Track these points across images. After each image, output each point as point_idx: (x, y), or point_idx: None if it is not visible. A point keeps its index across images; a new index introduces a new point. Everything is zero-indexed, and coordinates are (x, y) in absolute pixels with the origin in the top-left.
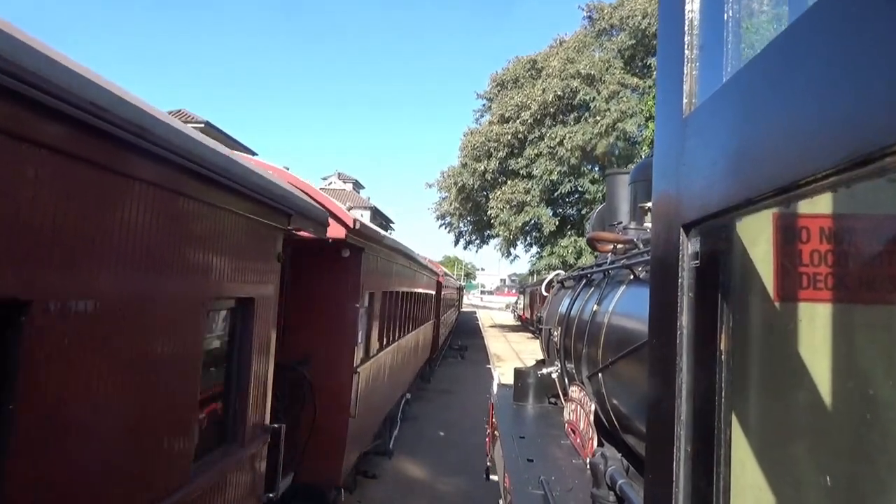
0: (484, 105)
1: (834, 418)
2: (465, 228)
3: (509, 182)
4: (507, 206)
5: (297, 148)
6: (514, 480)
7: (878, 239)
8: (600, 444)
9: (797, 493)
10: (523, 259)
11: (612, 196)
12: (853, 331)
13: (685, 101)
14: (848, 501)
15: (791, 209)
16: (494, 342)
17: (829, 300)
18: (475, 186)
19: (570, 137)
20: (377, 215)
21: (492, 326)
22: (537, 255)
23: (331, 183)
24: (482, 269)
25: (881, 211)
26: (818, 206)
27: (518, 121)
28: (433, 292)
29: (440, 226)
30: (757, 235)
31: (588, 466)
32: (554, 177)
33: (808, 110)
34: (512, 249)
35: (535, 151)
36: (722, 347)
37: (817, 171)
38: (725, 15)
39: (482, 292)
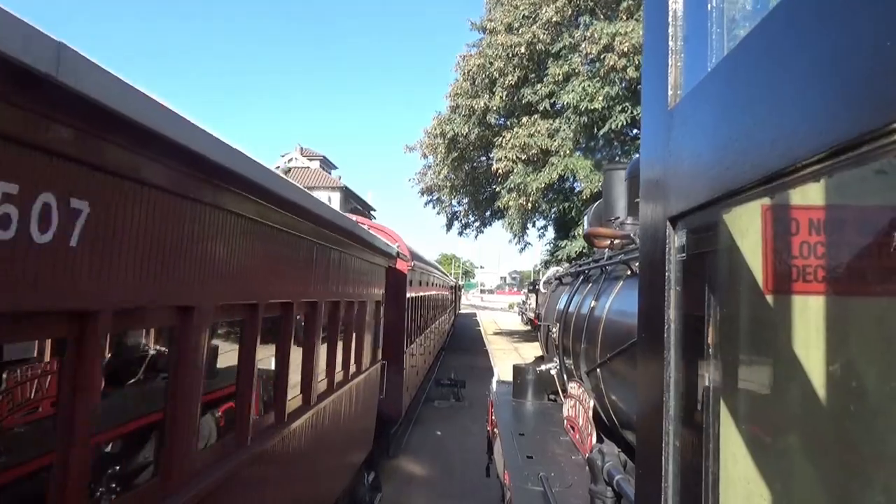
0: (481, 39)
1: (822, 410)
2: (460, 208)
3: (525, 119)
4: (522, 159)
5: (252, 123)
6: (513, 477)
7: (867, 230)
8: (599, 440)
9: (786, 486)
10: (536, 248)
11: (608, 191)
12: (842, 323)
13: (670, 92)
14: (837, 493)
15: (779, 200)
16: (505, 361)
17: (819, 292)
18: (472, 139)
19: (624, 36)
20: (351, 198)
21: (496, 334)
22: (561, 237)
23: (291, 160)
24: (481, 267)
25: (870, 202)
26: (807, 197)
27: (536, 24)
28: (376, 294)
29: (426, 204)
30: (744, 227)
31: (586, 462)
32: (597, 104)
33: (790, 99)
34: (528, 227)
35: (565, 69)
36: (710, 341)
37: (799, 160)
38: (709, 5)
39: (482, 291)
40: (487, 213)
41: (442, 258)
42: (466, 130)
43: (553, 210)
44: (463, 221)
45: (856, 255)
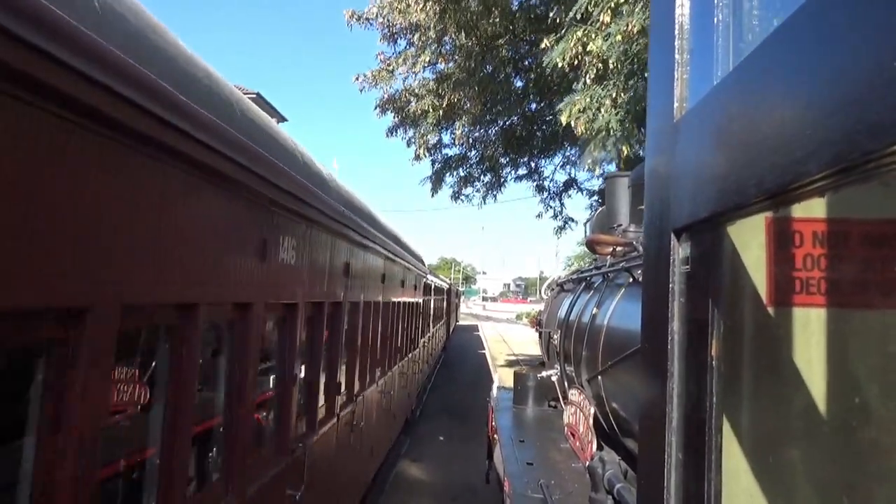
0: None
1: (826, 424)
2: (456, 148)
3: None
4: None
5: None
6: (513, 484)
7: (872, 243)
8: (600, 448)
9: (789, 500)
10: (576, 235)
11: (611, 198)
12: (846, 336)
13: (676, 104)
14: None
15: (783, 213)
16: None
17: (822, 305)
18: None
19: None
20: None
21: (510, 364)
22: None
23: None
24: (483, 273)
25: (876, 214)
26: (811, 209)
27: None
28: None
29: (390, 132)
30: (749, 240)
31: (587, 470)
32: None
33: (796, 114)
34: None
35: None
36: (713, 353)
37: (806, 177)
38: (715, 19)
39: (484, 299)
40: (505, 160)
41: (441, 262)
42: None
43: None
44: (461, 174)
45: (860, 268)
